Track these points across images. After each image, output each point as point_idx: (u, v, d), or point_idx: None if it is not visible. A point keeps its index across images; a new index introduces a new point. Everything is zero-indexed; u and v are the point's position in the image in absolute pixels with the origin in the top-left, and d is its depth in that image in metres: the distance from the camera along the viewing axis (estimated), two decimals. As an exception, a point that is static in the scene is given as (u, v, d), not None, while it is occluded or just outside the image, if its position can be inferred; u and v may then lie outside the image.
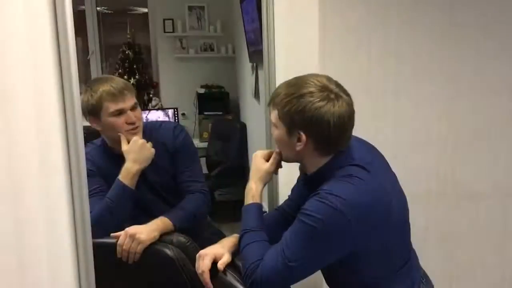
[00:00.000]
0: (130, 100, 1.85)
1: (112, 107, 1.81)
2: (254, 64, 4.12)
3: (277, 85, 1.96)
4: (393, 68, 2.11)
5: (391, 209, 1.40)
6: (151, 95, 5.55)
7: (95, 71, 5.87)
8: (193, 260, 1.61)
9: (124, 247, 1.69)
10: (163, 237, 1.77)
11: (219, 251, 1.51)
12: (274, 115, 1.41)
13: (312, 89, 1.33)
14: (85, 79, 5.98)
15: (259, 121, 3.54)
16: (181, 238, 1.76)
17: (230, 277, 1.46)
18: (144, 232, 1.70)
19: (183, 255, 1.71)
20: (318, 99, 1.32)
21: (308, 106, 1.32)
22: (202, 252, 1.52)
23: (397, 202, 1.46)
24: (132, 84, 5.40)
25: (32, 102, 0.99)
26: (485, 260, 2.28)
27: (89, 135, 3.72)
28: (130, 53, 5.40)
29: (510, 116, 2.18)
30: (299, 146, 1.38)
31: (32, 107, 1.00)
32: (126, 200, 1.82)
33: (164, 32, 5.50)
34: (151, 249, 1.73)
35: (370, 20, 2.06)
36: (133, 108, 1.87)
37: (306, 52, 1.95)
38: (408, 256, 1.56)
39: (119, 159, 1.86)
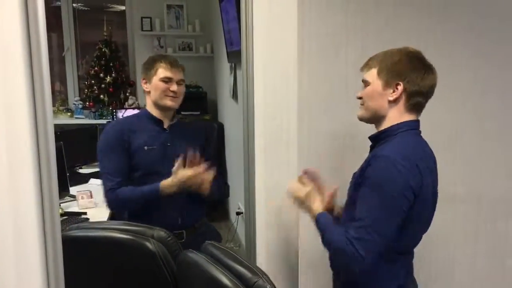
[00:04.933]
0: (179, 75, 2.18)
1: (164, 73, 2.16)
2: (233, 64, 4.11)
3: (255, 86, 1.97)
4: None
5: (432, 191, 1.57)
6: (127, 94, 5.49)
7: (70, 68, 5.77)
8: (173, 255, 1.65)
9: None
10: (144, 231, 1.78)
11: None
12: (370, 73, 1.59)
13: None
14: (60, 76, 5.89)
15: (237, 121, 3.53)
16: (162, 232, 1.77)
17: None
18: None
19: (164, 249, 1.72)
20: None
21: (412, 59, 1.57)
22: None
23: (432, 196, 1.59)
24: (108, 82, 5.35)
25: (1, 102, 0.95)
26: (460, 261, 2.31)
27: (63, 133, 3.68)
28: (106, 50, 5.33)
29: (482, 120, 2.22)
30: (393, 96, 1.56)
31: (1, 106, 0.97)
32: (153, 200, 2.12)
33: (142, 30, 5.45)
34: (132, 243, 1.73)
35: (349, 25, 2.07)
36: (179, 83, 2.18)
37: (285, 54, 1.94)
38: (413, 248, 1.68)
39: (158, 122, 2.21)
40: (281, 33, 1.92)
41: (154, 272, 1.70)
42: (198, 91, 5.27)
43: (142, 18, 5.43)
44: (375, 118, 1.63)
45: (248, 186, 1.99)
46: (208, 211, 4.82)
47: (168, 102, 2.15)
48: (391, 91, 1.56)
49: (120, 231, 1.77)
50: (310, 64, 2.05)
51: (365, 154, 2.02)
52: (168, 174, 2.09)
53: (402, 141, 1.54)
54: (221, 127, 4.88)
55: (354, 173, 1.66)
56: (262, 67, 1.92)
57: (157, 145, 2.17)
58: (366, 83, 1.62)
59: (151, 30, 5.43)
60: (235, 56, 3.73)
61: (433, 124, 2.17)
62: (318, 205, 1.70)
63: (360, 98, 1.65)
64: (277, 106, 1.97)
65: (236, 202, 4.30)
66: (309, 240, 2.11)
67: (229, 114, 4.70)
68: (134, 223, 1.84)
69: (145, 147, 2.15)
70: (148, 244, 1.71)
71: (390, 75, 1.56)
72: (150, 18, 5.42)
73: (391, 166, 1.45)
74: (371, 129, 2.16)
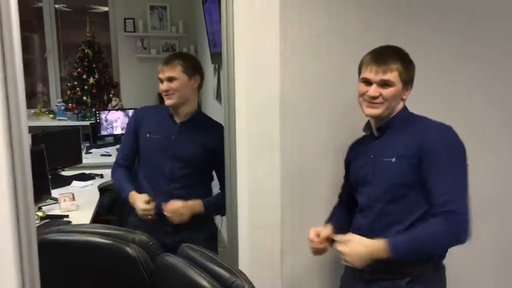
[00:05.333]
0: (167, 73, 2.18)
1: (158, 75, 2.22)
2: (216, 65, 4.10)
3: (237, 87, 1.96)
4: (353, 74, 2.13)
5: None
6: (111, 95, 5.45)
7: (53, 69, 5.71)
8: (154, 259, 1.64)
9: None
10: (124, 235, 1.76)
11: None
12: (393, 75, 1.62)
13: None
14: (42, 78, 5.82)
15: (220, 122, 3.51)
16: (143, 237, 1.76)
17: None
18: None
19: (144, 254, 1.70)
20: None
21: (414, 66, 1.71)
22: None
23: None
24: (91, 84, 5.30)
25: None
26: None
27: (45, 135, 3.63)
28: (89, 52, 5.29)
29: (468, 120, 2.24)
30: (406, 95, 1.69)
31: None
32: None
33: (125, 31, 5.41)
34: (112, 247, 1.71)
35: (331, 25, 2.07)
36: (169, 80, 2.18)
37: (267, 55, 1.94)
38: None
39: (170, 118, 2.26)
40: (263, 34, 1.92)
41: (134, 277, 1.68)
42: (182, 93, 5.24)
43: (125, 19, 5.39)
44: (387, 114, 1.69)
45: (230, 187, 1.98)
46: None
47: (166, 101, 2.20)
48: (406, 91, 1.68)
49: (100, 235, 1.76)
50: (293, 65, 2.05)
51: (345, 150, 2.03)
52: (166, 168, 2.19)
53: (429, 118, 1.69)
54: (205, 129, 4.85)
55: (385, 161, 1.67)
56: (243, 69, 1.91)
57: (161, 136, 2.23)
58: (388, 83, 1.63)
59: (134, 31, 5.40)
60: (218, 58, 3.71)
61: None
62: (364, 241, 1.59)
63: (375, 97, 1.65)
64: (259, 107, 1.97)
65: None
66: (292, 241, 2.12)
67: (213, 115, 4.65)
68: (116, 226, 1.83)
69: (148, 135, 2.24)
70: (128, 249, 1.69)
71: (408, 77, 1.66)
72: (133, 19, 5.39)
73: (455, 135, 1.60)
74: (355, 129, 2.16)
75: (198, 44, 5.36)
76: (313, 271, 2.19)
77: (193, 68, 2.22)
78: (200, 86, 2.31)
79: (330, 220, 1.85)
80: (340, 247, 1.60)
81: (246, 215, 1.99)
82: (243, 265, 2.00)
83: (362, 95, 1.68)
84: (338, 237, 1.64)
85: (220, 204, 2.21)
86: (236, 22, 1.87)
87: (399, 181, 1.61)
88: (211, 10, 3.86)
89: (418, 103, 1.81)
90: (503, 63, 2.22)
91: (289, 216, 2.12)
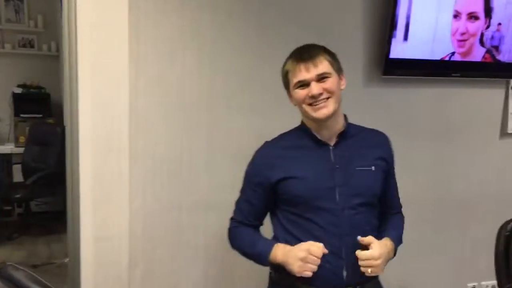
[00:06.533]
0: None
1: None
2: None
3: (81, 92, 1.84)
4: (208, 78, 2.13)
5: None
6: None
7: None
8: None
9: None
10: None
11: None
12: (325, 65, 1.48)
13: None
14: None
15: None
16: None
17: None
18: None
19: None
20: None
21: None
22: None
23: None
24: None
25: None
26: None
27: None
28: None
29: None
30: (343, 85, 1.54)
31: None
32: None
33: (-25, 22, 4.89)
34: None
35: (185, 29, 2.05)
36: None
37: (114, 58, 1.85)
38: None
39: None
40: (109, 37, 1.83)
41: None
42: (40, 92, 4.89)
43: (-26, 9, 4.88)
44: (336, 112, 1.51)
45: (71, 196, 1.86)
46: (50, 223, 4.51)
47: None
48: (342, 81, 1.53)
49: None
50: (146, 68, 2.00)
51: (208, 158, 2.00)
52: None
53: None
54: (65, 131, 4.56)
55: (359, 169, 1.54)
56: (88, 73, 1.81)
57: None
58: (325, 75, 1.46)
59: (-14, 23, 4.91)
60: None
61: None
62: (382, 241, 1.50)
63: (320, 94, 1.46)
64: (106, 113, 1.88)
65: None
66: (143, 251, 2.05)
67: (74, 117, 4.41)
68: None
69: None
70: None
71: (338, 65, 1.52)
72: (-15, 9, 4.90)
73: None
74: (210, 135, 2.16)
75: (60, 41, 5.02)
76: (168, 282, 2.14)
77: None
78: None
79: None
80: (370, 253, 1.43)
81: (90, 227, 1.88)
82: (86, 279, 1.88)
83: (303, 100, 1.48)
84: (361, 238, 1.46)
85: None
86: (79, 24, 1.75)
87: (378, 190, 1.56)
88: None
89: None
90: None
91: (141, 225, 2.06)
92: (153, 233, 2.09)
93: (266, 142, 1.60)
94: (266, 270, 1.63)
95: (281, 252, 1.48)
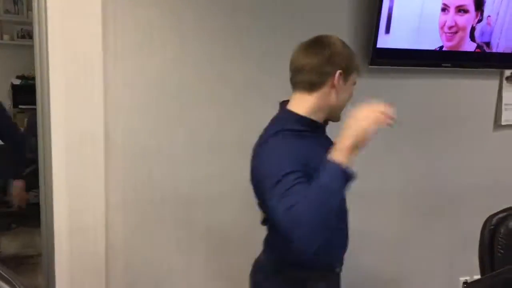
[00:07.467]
0: None
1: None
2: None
3: (52, 83, 1.82)
4: (189, 71, 2.09)
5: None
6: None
7: None
8: None
9: None
10: None
11: None
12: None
13: None
14: None
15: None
16: None
17: None
18: None
19: None
20: None
21: None
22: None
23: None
24: None
25: None
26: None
27: None
28: None
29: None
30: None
31: None
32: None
33: (-27, 14, 4.90)
34: None
35: (165, 21, 2.01)
36: None
37: (87, 50, 1.81)
38: None
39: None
40: (81, 28, 1.79)
41: None
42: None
43: (-27, 0, 4.88)
44: None
45: (44, 189, 1.85)
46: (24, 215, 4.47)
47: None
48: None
49: None
50: (123, 60, 1.96)
51: (190, 151, 1.97)
52: None
53: None
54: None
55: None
56: (60, 62, 1.78)
57: None
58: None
59: (-15, 14, 4.91)
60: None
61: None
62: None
63: None
64: (80, 105, 1.85)
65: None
66: (125, 242, 2.05)
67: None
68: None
69: None
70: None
71: None
72: (-17, 1, 4.90)
73: None
74: (192, 128, 2.13)
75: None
76: (149, 274, 2.13)
77: None
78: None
79: None
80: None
81: (65, 219, 1.86)
82: (61, 272, 1.87)
83: (349, 98, 1.52)
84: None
85: None
86: (50, 14, 1.71)
87: None
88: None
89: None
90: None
91: (121, 218, 2.04)
92: (134, 225, 2.07)
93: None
94: (252, 259, 1.57)
95: (340, 143, 1.30)
